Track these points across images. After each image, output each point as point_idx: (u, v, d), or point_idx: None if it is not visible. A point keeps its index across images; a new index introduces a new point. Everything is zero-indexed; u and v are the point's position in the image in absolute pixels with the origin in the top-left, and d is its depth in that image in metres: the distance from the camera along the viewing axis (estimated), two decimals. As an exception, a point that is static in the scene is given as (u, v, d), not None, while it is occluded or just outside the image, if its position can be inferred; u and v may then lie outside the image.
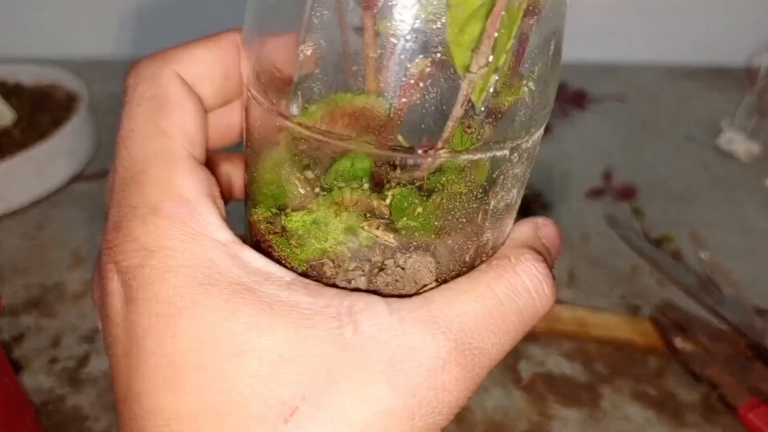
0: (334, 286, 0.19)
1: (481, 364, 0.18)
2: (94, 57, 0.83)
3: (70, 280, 0.51)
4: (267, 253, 0.20)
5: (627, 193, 0.64)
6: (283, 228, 0.20)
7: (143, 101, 0.19)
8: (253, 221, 0.21)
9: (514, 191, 0.23)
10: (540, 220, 0.23)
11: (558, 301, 0.51)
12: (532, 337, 0.48)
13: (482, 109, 0.19)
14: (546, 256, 0.22)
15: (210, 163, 0.21)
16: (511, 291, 0.19)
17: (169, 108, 0.19)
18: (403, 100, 0.18)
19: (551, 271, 0.21)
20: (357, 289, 0.20)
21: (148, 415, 0.16)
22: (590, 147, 0.72)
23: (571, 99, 0.79)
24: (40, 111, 0.62)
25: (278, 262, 0.20)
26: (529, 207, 0.61)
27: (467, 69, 0.18)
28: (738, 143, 0.71)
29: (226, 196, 0.23)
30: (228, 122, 0.22)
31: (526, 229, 0.23)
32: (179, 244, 0.17)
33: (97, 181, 0.62)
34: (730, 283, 0.53)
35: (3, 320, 0.47)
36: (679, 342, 0.45)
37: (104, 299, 0.18)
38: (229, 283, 0.17)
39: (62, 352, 0.45)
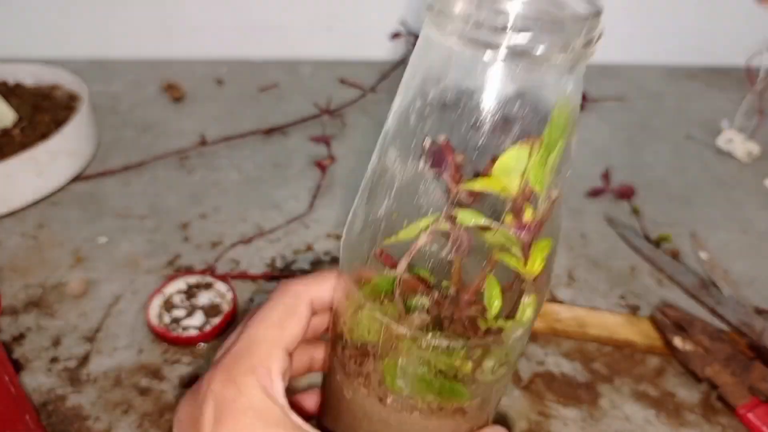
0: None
1: None
2: (95, 57, 0.83)
3: (71, 279, 0.51)
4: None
5: (626, 193, 0.64)
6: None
7: (283, 305, 0.29)
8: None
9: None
10: (495, 429, 0.31)
11: (557, 301, 0.51)
12: (531, 336, 0.48)
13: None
14: None
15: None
16: None
17: (294, 316, 0.29)
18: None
19: None
20: None
21: None
22: (590, 147, 0.72)
23: (570, 99, 0.79)
24: (41, 111, 0.62)
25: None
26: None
27: None
28: (737, 143, 0.71)
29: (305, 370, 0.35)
30: (310, 356, 0.34)
31: None
32: (258, 396, 0.26)
33: (98, 182, 0.62)
34: (729, 283, 0.53)
35: (3, 320, 0.47)
36: (678, 341, 0.45)
37: (195, 413, 0.27)
38: (282, 426, 0.25)
39: (62, 351, 0.45)
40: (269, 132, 0.71)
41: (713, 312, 0.50)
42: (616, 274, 0.54)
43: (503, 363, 0.28)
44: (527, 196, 0.23)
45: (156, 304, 0.47)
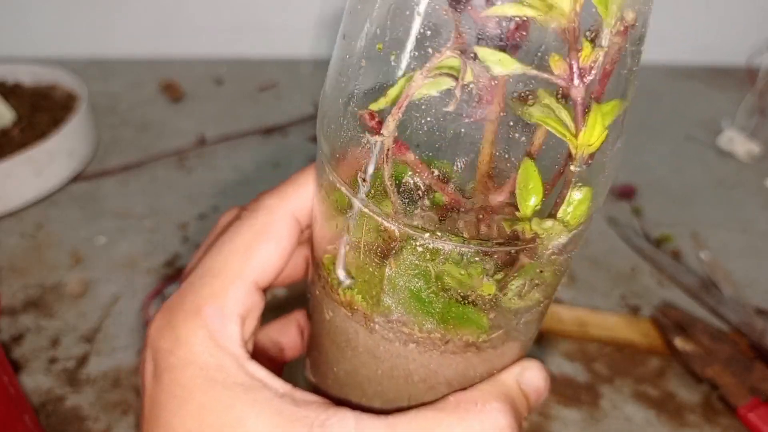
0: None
1: None
2: (94, 57, 0.83)
3: (70, 280, 0.51)
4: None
5: (627, 193, 0.64)
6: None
7: (253, 226, 0.23)
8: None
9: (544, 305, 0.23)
10: (526, 364, 0.24)
11: (558, 302, 0.51)
12: (532, 337, 0.48)
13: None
14: (519, 405, 0.22)
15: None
16: None
17: (267, 239, 0.23)
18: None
19: (518, 423, 0.22)
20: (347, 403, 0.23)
21: None
22: (590, 147, 0.72)
23: (570, 99, 0.79)
24: (40, 111, 0.62)
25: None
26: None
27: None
28: (738, 143, 0.71)
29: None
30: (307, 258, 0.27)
31: (508, 375, 0.23)
32: (203, 345, 0.21)
33: (97, 181, 0.62)
34: (730, 283, 0.53)
35: (2, 320, 0.47)
36: (679, 342, 0.45)
37: (142, 363, 0.23)
38: (232, 383, 0.21)
39: (61, 352, 0.45)
40: (268, 132, 0.71)
41: (714, 312, 0.50)
42: (617, 274, 0.54)
43: (535, 285, 0.21)
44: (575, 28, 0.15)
45: (155, 304, 0.47)
